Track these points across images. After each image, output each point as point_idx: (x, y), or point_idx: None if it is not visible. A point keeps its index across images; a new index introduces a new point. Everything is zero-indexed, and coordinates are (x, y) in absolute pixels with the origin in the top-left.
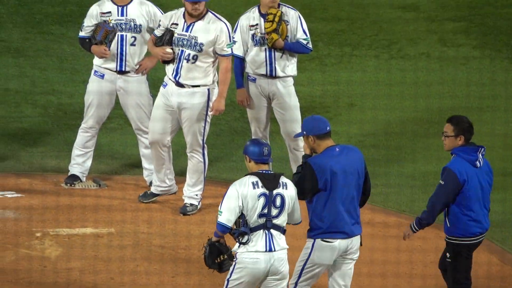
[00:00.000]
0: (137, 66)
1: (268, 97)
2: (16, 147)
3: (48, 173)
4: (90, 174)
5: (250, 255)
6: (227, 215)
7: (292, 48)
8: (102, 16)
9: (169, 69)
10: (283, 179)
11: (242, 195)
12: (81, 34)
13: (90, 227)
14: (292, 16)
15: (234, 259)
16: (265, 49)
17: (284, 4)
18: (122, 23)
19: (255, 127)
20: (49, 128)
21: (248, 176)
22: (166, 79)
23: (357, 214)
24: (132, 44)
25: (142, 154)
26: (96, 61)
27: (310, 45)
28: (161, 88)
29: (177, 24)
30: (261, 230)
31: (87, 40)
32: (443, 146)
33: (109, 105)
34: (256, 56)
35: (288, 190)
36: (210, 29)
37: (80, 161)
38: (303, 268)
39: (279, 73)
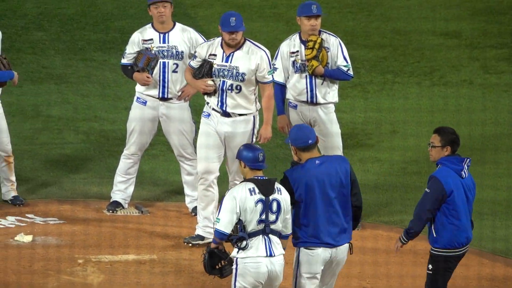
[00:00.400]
0: (179, 93)
1: (309, 123)
2: (59, 173)
3: (91, 199)
4: (132, 200)
5: (252, 259)
6: (224, 222)
7: (333, 75)
8: (144, 43)
9: (213, 100)
10: (277, 185)
11: (240, 202)
12: (123, 61)
13: (132, 253)
14: (333, 43)
15: (235, 266)
16: (306, 75)
17: (325, 31)
18: (164, 50)
19: None
20: (91, 155)
21: (244, 183)
22: (207, 109)
23: (343, 223)
24: (174, 71)
25: (184, 180)
26: (139, 88)
27: (350, 72)
28: (203, 118)
29: (215, 55)
30: (261, 236)
31: (129, 67)
32: (429, 157)
33: (151, 132)
34: (297, 83)
35: (283, 195)
36: (251, 58)
37: (122, 188)
38: (296, 280)
39: (320, 99)
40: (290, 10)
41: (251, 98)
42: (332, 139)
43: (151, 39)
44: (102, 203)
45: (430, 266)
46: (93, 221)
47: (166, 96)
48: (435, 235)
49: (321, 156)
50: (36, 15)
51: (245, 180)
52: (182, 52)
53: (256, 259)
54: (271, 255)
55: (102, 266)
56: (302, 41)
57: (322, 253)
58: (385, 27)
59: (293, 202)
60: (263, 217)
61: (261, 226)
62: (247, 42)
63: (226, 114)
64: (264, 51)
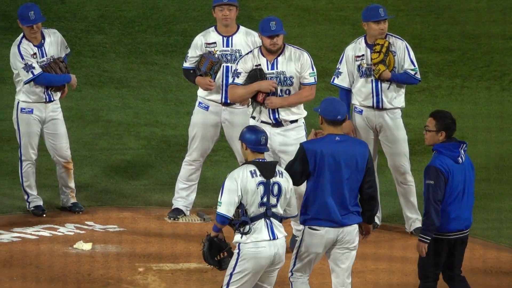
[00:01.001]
0: None
1: (375, 129)
2: (119, 180)
3: (151, 206)
4: (194, 208)
5: (256, 244)
6: (226, 206)
7: (400, 79)
8: (207, 47)
9: (264, 112)
10: (278, 168)
11: (241, 184)
12: (185, 65)
13: (194, 262)
14: (399, 46)
15: (238, 251)
16: (372, 80)
17: (391, 34)
18: (227, 54)
19: None
20: (152, 161)
21: (245, 165)
22: (255, 124)
23: (352, 206)
24: None
25: None
26: (201, 92)
27: (418, 76)
28: None
29: (259, 65)
30: (262, 219)
31: (191, 71)
32: (424, 140)
33: (213, 138)
34: (362, 88)
35: (284, 178)
36: (295, 61)
37: (184, 195)
38: (296, 255)
39: (387, 105)
40: (356, 12)
41: None
42: (398, 145)
43: (214, 43)
44: (164, 211)
45: None
46: (154, 229)
47: (229, 101)
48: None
49: (343, 135)
50: (96, 17)
51: (246, 162)
52: None
53: (260, 243)
54: (274, 238)
55: (163, 275)
56: (367, 45)
57: (325, 234)
58: (454, 30)
59: (308, 174)
60: (265, 199)
61: (263, 209)
62: (288, 46)
63: (278, 124)
64: (306, 52)
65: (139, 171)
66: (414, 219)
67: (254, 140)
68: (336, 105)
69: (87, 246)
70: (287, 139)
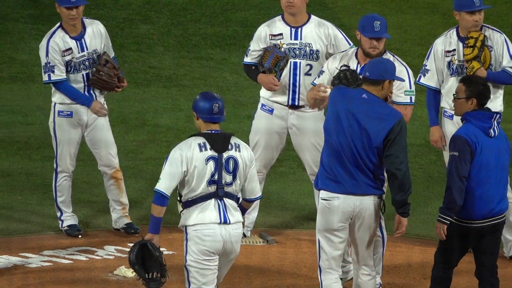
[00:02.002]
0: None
1: None
2: None
3: None
4: (256, 227)
5: (203, 226)
6: (166, 182)
7: (497, 79)
8: (272, 39)
9: None
10: (234, 140)
11: (187, 158)
12: (246, 60)
13: None
14: (497, 40)
15: (185, 236)
16: None
17: (488, 26)
18: (295, 48)
19: None
20: None
21: (193, 137)
22: None
23: (365, 178)
24: (307, 74)
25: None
26: (264, 93)
27: None
28: None
29: (348, 66)
30: (213, 199)
31: (253, 67)
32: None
33: (278, 146)
34: (453, 88)
35: (242, 152)
36: None
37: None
38: (318, 237)
39: None
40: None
41: None
42: None
43: (281, 34)
44: None
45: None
46: None
47: (296, 103)
48: None
49: (374, 95)
50: (141, 4)
51: (195, 134)
52: (317, 51)
53: (208, 225)
54: (225, 222)
55: None
56: (460, 38)
57: (340, 204)
58: None
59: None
60: (216, 177)
61: (213, 188)
62: (388, 54)
63: None
64: (406, 67)
65: None
66: None
67: (207, 108)
68: (371, 62)
69: (130, 273)
70: None
